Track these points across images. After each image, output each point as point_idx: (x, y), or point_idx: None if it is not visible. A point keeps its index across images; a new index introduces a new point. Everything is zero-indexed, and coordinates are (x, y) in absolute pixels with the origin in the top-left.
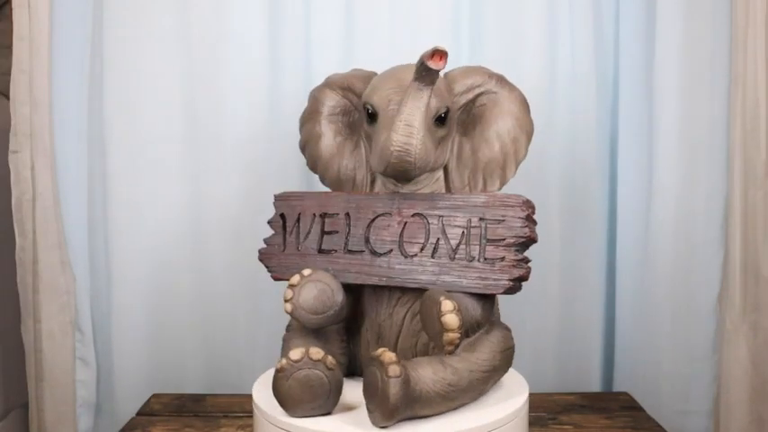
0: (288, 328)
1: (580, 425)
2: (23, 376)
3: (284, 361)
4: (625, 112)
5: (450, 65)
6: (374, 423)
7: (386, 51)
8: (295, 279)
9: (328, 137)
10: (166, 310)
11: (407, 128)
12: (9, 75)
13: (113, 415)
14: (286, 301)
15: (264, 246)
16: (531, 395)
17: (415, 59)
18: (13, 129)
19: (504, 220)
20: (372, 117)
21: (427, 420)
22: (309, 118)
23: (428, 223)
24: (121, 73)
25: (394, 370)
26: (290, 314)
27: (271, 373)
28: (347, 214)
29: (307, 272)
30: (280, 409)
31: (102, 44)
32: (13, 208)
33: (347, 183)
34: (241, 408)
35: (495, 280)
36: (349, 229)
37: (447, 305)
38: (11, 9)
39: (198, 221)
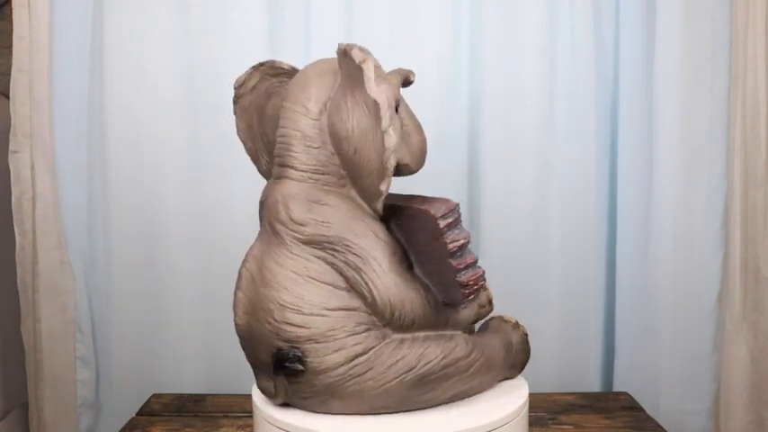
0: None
1: (580, 425)
2: (23, 376)
3: (523, 327)
4: (625, 112)
5: (451, 65)
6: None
7: (386, 51)
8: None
9: None
10: (166, 310)
11: None
12: (9, 75)
13: (113, 415)
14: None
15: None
16: (531, 395)
17: (415, 59)
18: (13, 129)
19: None
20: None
21: (427, 420)
22: None
23: None
24: (121, 73)
25: None
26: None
27: None
28: None
29: None
30: (280, 408)
31: (102, 44)
32: (13, 208)
33: None
34: (241, 408)
35: None
36: None
37: None
38: (11, 9)
39: (198, 221)
